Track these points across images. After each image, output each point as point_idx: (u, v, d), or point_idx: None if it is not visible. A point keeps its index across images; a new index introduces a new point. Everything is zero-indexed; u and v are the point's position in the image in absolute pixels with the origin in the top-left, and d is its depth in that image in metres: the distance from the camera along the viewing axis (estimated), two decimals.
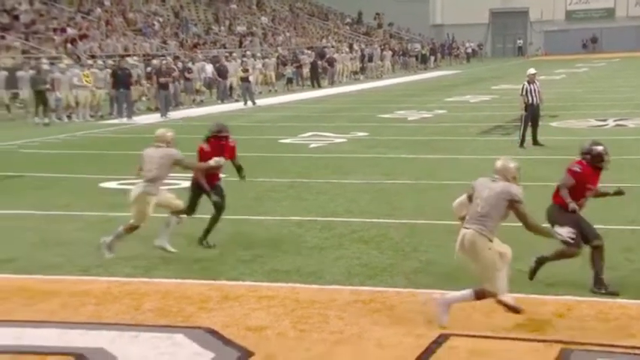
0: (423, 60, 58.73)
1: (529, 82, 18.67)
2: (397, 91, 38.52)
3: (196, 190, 10.39)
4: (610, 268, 8.74)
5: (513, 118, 20.23)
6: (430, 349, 6.59)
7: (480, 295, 7.10)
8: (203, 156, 10.32)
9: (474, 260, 7.14)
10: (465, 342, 6.75)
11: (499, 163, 7.34)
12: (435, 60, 61.27)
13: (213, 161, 9.96)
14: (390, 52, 56.68)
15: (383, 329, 7.10)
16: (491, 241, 7.04)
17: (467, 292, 7.16)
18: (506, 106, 25.64)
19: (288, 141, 21.05)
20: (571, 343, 6.65)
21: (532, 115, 18.42)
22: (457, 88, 38.04)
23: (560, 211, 8.06)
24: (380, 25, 69.28)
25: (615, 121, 22.67)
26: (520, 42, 70.94)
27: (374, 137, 21.39)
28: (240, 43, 47.82)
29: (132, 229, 9.90)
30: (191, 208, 10.39)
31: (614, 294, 7.82)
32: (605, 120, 22.89)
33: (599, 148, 8.32)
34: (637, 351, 6.47)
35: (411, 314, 7.46)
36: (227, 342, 6.90)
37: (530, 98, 18.38)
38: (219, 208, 10.31)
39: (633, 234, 10.27)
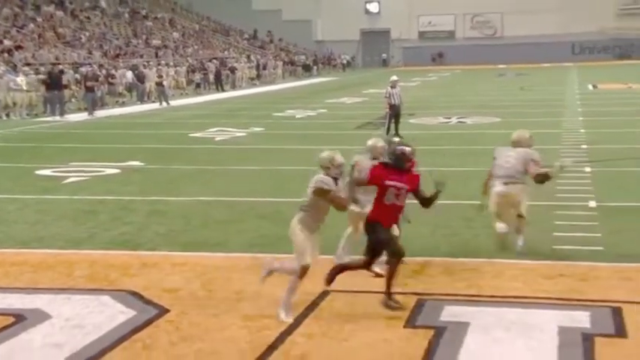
0: (308, 69, 58.88)
1: (392, 87, 18.98)
2: (287, 94, 38.46)
3: None
4: (455, 234, 9.00)
5: (380, 116, 20.50)
6: (314, 303, 6.60)
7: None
8: None
9: None
10: (343, 296, 6.79)
11: (369, 142, 7.92)
12: (317, 69, 61.47)
13: None
14: (281, 62, 56.62)
15: (277, 288, 7.03)
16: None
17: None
18: (375, 106, 25.96)
19: (197, 135, 20.70)
20: (424, 294, 6.78)
21: (394, 113, 18.74)
22: (335, 91, 38.27)
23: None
24: (272, 41, 68.99)
25: (458, 118, 23.28)
26: (384, 55, 71.93)
27: (269, 132, 21.31)
28: (156, 54, 46.71)
29: None
30: None
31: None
32: (450, 118, 23.47)
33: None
34: (475, 298, 6.63)
35: None
36: (147, 302, 6.74)
37: (392, 100, 18.70)
38: None
39: (470, 207, 10.54)
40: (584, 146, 15.92)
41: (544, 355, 5.39)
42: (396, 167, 6.51)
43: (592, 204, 10.31)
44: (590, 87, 34.85)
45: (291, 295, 6.29)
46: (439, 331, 5.87)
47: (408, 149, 6.57)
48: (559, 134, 18.05)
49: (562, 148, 15.75)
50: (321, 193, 6.27)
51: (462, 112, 25.13)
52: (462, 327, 5.91)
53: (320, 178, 6.32)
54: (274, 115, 26.35)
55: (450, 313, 6.25)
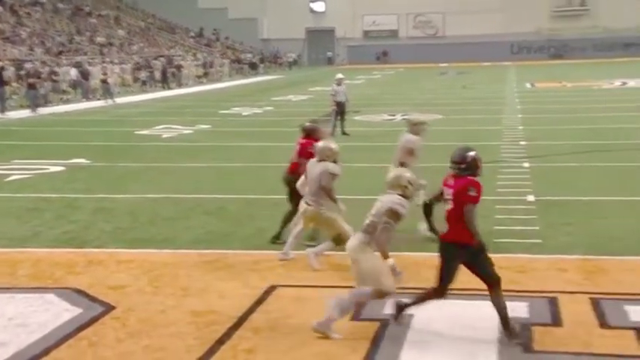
0: (254, 67, 58.64)
1: (337, 85, 19.04)
2: (233, 92, 38.25)
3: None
4: (399, 230, 9.05)
5: (326, 113, 20.56)
6: (261, 298, 6.59)
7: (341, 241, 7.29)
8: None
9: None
10: (289, 291, 6.80)
11: (320, 145, 7.61)
12: (264, 67, 61.28)
13: None
14: (228, 60, 56.23)
15: (224, 283, 7.03)
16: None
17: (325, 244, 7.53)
18: (320, 104, 26.03)
19: (143, 132, 20.41)
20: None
21: (340, 110, 18.82)
22: (281, 89, 38.23)
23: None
24: (218, 39, 68.43)
25: (402, 115, 23.50)
26: (330, 54, 72.16)
27: (216, 129, 21.15)
28: (101, 51, 45.85)
29: None
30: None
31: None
32: (394, 115, 23.69)
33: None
34: (416, 291, 6.67)
35: (247, 271, 7.43)
36: (92, 299, 6.62)
37: (338, 97, 18.77)
38: None
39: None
40: (522, 142, 16.26)
41: (484, 346, 5.49)
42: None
43: (531, 198, 10.55)
44: (528, 85, 35.62)
45: (341, 313, 5.67)
46: (384, 323, 5.93)
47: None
48: (499, 131, 18.41)
49: (502, 144, 16.07)
50: (396, 217, 5.74)
51: (406, 109, 25.35)
52: (406, 319, 5.98)
53: (399, 201, 5.75)
54: (221, 113, 26.16)
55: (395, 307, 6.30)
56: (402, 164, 8.38)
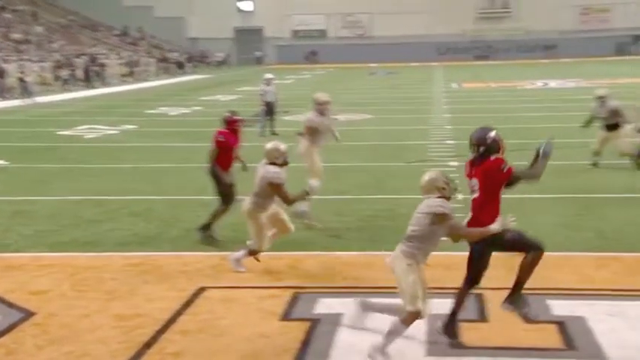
0: (181, 66, 57.95)
1: (266, 85, 19.02)
2: (160, 91, 37.68)
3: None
4: (329, 229, 9.13)
5: (255, 113, 20.47)
6: (190, 300, 6.52)
7: (252, 252, 7.30)
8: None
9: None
10: (218, 292, 6.75)
11: (267, 146, 7.44)
12: (191, 66, 60.60)
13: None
14: (154, 59, 55.36)
15: (151, 286, 6.92)
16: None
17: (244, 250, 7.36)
18: (249, 104, 25.90)
19: (65, 133, 19.88)
20: (300, 287, 6.85)
21: (269, 110, 18.79)
22: (209, 89, 37.88)
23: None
24: (143, 37, 67.29)
25: (332, 116, 23.59)
26: (258, 53, 71.95)
27: (142, 129, 20.79)
28: (17, 48, 44.39)
29: None
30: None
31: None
32: None
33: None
34: (349, 290, 6.75)
35: (175, 273, 7.34)
36: (11, 305, 6.41)
37: (267, 97, 18.74)
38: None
39: (343, 202, 10.77)
40: (450, 141, 16.59)
41: (414, 343, 5.57)
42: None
43: (459, 196, 10.74)
44: (455, 85, 36.38)
45: (391, 340, 5.26)
46: (314, 323, 5.96)
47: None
48: (427, 130, 18.73)
49: (430, 143, 16.36)
50: (442, 219, 5.27)
51: (336, 109, 25.51)
52: (335, 318, 6.02)
53: (439, 202, 5.29)
54: (147, 113, 25.74)
55: (325, 306, 6.34)
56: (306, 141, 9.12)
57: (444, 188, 5.35)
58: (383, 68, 53.95)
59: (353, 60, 64.12)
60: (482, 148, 5.32)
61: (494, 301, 6.36)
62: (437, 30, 67.48)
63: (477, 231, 5.30)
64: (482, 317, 6.04)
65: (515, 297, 5.49)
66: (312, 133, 9.50)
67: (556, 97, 28.16)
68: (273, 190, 7.21)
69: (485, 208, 5.31)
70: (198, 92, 35.67)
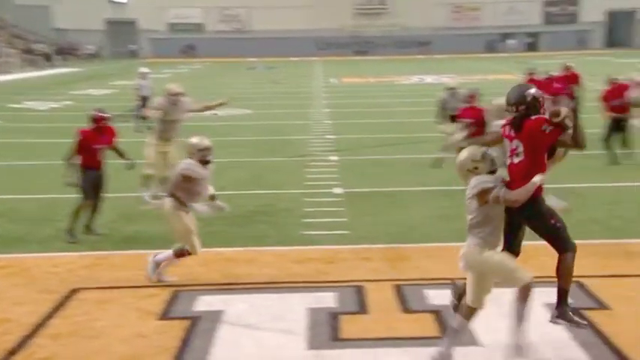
0: (49, 58, 55.56)
1: (142, 79, 18.61)
2: (26, 85, 35.95)
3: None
4: (209, 225, 9.06)
5: (130, 108, 19.95)
6: (62, 303, 6.30)
7: (178, 254, 6.87)
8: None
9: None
10: (92, 294, 6.56)
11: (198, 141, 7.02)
12: (61, 58, 58.19)
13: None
14: (17, 50, 52.72)
15: (19, 289, 6.64)
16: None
17: (169, 251, 6.91)
18: (124, 98, 25.22)
19: None
20: (180, 285, 6.78)
21: (145, 105, 18.35)
22: (81, 82, 36.54)
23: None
24: (3, 26, 63.88)
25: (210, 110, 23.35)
26: (133, 46, 70.10)
27: (6, 124, 19.82)
28: None
29: None
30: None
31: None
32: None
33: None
34: (229, 287, 6.73)
35: (46, 275, 7.08)
36: None
37: (143, 92, 18.35)
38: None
39: (221, 198, 10.71)
40: (330, 136, 16.85)
41: (295, 337, 5.65)
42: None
43: (338, 190, 10.97)
44: (334, 80, 36.94)
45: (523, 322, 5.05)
46: (194, 321, 5.91)
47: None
48: (307, 125, 18.94)
49: (310, 138, 16.55)
50: (484, 196, 4.99)
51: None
52: (216, 316, 6.01)
53: (473, 183, 5.04)
54: (11, 107, 24.52)
55: (205, 303, 6.31)
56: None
57: (475, 168, 5.08)
58: (263, 63, 53.98)
59: (232, 54, 63.79)
60: (522, 107, 4.98)
61: (374, 293, 6.55)
62: (316, 25, 68.24)
63: (524, 190, 4.88)
64: (362, 309, 6.19)
65: (565, 309, 5.09)
66: (159, 121, 9.90)
67: (432, 92, 29.17)
68: (185, 182, 6.79)
69: (532, 173, 4.90)
70: (69, 86, 34.33)
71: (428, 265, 7.36)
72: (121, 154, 8.87)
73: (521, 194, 4.85)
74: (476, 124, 10.16)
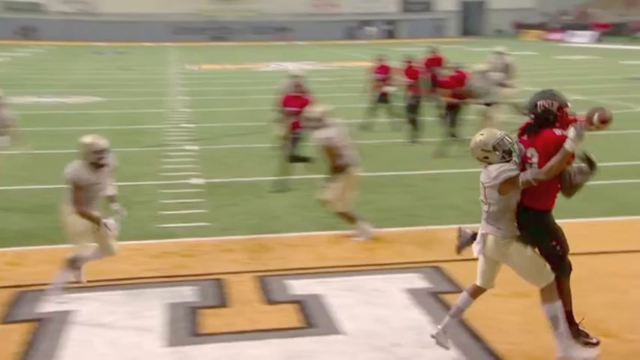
0: None
1: None
2: None
3: None
4: (54, 220, 8.72)
5: None
6: None
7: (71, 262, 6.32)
8: None
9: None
10: None
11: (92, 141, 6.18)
12: None
13: None
14: None
15: None
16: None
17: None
18: None
19: None
20: (25, 285, 6.49)
21: None
22: None
23: None
24: None
25: (55, 98, 22.44)
26: None
27: None
28: None
29: None
30: None
31: None
32: (45, 97, 22.52)
33: None
34: (76, 285, 6.48)
35: None
36: None
37: None
38: None
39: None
40: (188, 125, 16.63)
41: (152, 334, 5.54)
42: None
43: (198, 181, 10.86)
44: (191, 67, 36.45)
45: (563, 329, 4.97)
46: (42, 323, 5.69)
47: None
48: (163, 113, 18.59)
49: (166, 127, 16.27)
50: (509, 185, 4.82)
51: (59, 91, 24.30)
52: (64, 316, 5.80)
53: (494, 174, 4.82)
54: None
55: (52, 304, 6.07)
56: None
57: (485, 157, 4.90)
58: (112, 48, 52.33)
59: (78, 38, 61.48)
60: (532, 116, 4.86)
61: (236, 285, 6.56)
62: (170, 8, 67.00)
63: (555, 161, 4.67)
64: (223, 303, 6.18)
65: (578, 331, 5.09)
66: None
67: None
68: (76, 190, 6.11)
69: (546, 184, 4.76)
70: None
71: (288, 254, 7.46)
72: None
73: (553, 167, 4.70)
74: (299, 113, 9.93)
